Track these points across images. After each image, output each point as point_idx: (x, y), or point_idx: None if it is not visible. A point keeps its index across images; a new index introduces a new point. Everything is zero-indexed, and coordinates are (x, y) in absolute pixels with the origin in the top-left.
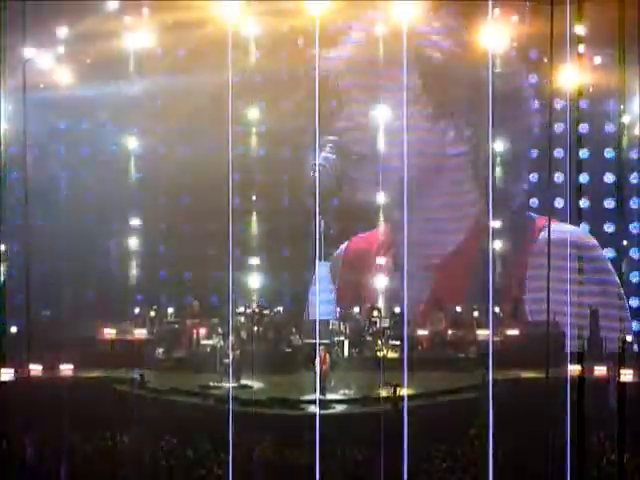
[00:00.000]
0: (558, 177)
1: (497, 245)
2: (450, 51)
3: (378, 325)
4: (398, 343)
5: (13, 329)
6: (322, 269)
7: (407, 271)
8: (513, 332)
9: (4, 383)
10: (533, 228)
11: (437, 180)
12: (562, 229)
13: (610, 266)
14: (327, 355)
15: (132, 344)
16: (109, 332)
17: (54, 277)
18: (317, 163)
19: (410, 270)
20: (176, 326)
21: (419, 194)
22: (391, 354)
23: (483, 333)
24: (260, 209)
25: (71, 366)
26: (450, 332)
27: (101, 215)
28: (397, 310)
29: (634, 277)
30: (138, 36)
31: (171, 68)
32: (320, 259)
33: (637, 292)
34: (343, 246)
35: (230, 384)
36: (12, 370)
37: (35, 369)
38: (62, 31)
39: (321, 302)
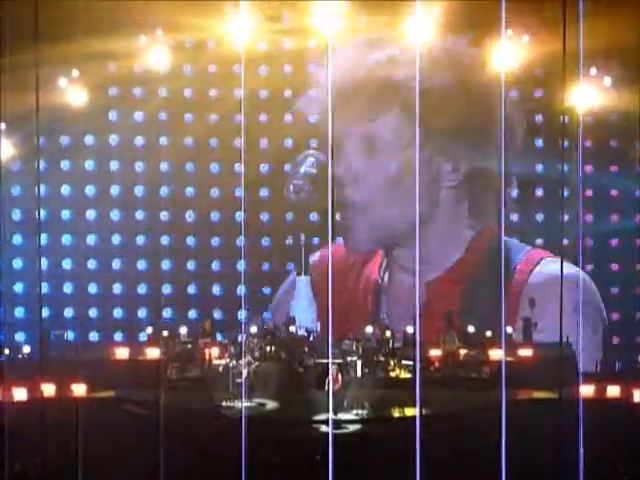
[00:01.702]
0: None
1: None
2: (455, 76)
3: (390, 345)
4: (411, 363)
5: (26, 349)
6: (302, 283)
7: (404, 287)
8: (525, 353)
9: (17, 403)
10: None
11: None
12: (554, 266)
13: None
14: (339, 375)
15: (145, 364)
16: (122, 352)
17: (64, 296)
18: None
19: (406, 286)
20: (189, 346)
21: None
22: (404, 374)
23: (495, 353)
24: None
25: (84, 386)
26: (463, 352)
27: (107, 233)
28: (409, 330)
29: None
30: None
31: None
32: (300, 274)
33: None
34: (315, 258)
35: (243, 403)
36: (25, 390)
37: (47, 389)
38: (74, 50)
39: (303, 317)
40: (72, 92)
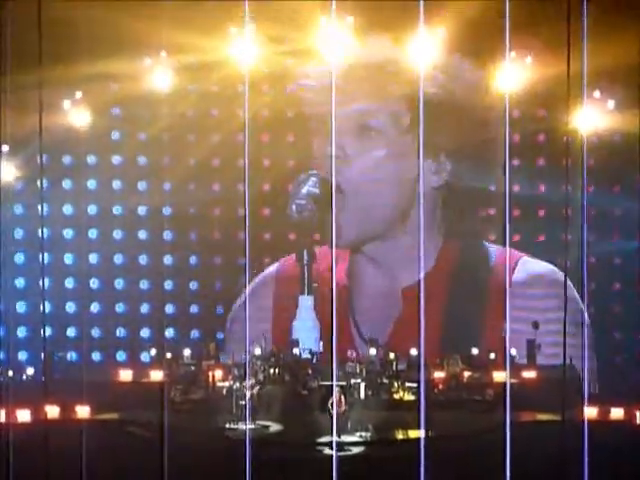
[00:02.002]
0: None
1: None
2: (450, 90)
3: (394, 367)
4: (415, 385)
5: (30, 371)
6: (305, 303)
7: (379, 295)
8: (529, 374)
9: (21, 424)
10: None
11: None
12: (535, 266)
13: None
14: (342, 397)
15: (148, 386)
16: (125, 374)
17: (67, 319)
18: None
19: (382, 294)
20: (192, 368)
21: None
22: (407, 396)
23: (499, 375)
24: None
25: (87, 408)
26: (466, 374)
27: (110, 254)
28: (413, 352)
29: None
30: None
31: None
32: (304, 293)
33: None
34: (273, 268)
35: (247, 426)
36: (28, 412)
37: (51, 411)
38: (78, 72)
39: (307, 338)
40: (75, 113)
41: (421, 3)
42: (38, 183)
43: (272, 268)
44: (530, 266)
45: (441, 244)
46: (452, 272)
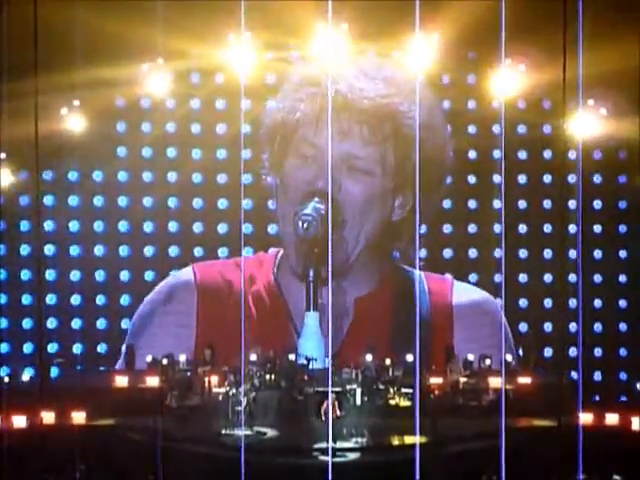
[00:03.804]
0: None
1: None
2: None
3: (390, 373)
4: (410, 391)
5: (25, 376)
6: (311, 319)
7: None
8: (525, 380)
9: (17, 430)
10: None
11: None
12: (470, 293)
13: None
14: (337, 403)
15: (144, 392)
16: (121, 380)
17: (65, 325)
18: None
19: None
20: (188, 374)
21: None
22: (403, 402)
23: (495, 381)
24: None
25: (83, 414)
26: (463, 380)
27: (113, 268)
28: (409, 358)
29: None
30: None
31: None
32: (309, 309)
33: None
34: (187, 274)
35: (243, 432)
36: (24, 417)
37: (47, 416)
38: (74, 78)
39: (312, 355)
40: (72, 121)
41: (416, 10)
42: (37, 197)
43: (187, 274)
44: (467, 293)
45: (381, 270)
46: (392, 292)
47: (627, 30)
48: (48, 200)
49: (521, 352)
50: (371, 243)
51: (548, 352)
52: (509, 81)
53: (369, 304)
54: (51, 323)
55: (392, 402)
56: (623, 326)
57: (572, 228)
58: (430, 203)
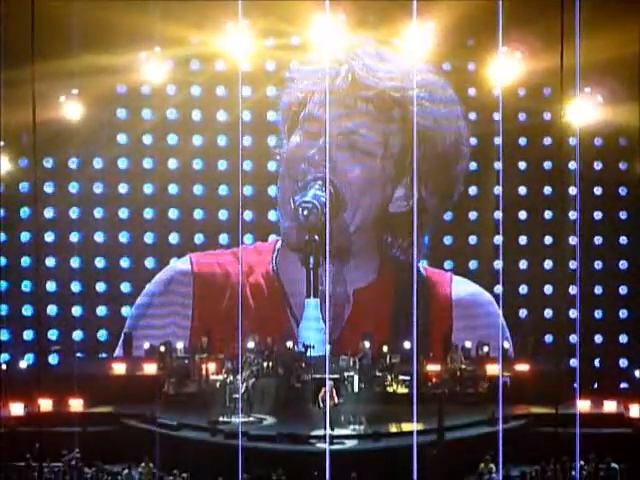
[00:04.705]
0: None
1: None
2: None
3: (388, 360)
4: (408, 378)
5: (23, 364)
6: (311, 306)
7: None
8: (522, 368)
9: (15, 417)
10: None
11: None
12: (467, 286)
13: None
14: (334, 390)
15: (142, 379)
16: (119, 367)
17: (65, 313)
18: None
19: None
20: (186, 361)
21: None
22: (401, 389)
23: (493, 369)
24: None
25: (81, 401)
26: (461, 367)
27: (113, 255)
28: (407, 345)
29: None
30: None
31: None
32: (309, 296)
33: None
34: (184, 264)
35: (239, 419)
36: (22, 405)
37: (45, 404)
38: (73, 66)
39: (313, 340)
40: (71, 109)
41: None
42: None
43: (184, 264)
44: (465, 287)
45: (379, 262)
46: (392, 283)
47: (626, 17)
48: (48, 187)
49: (518, 340)
50: (366, 227)
51: (549, 338)
52: (508, 69)
53: (369, 294)
54: (51, 310)
55: (390, 389)
56: (624, 313)
57: (572, 214)
58: (442, 197)
